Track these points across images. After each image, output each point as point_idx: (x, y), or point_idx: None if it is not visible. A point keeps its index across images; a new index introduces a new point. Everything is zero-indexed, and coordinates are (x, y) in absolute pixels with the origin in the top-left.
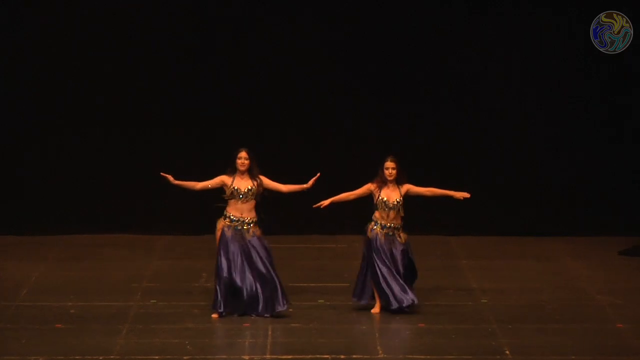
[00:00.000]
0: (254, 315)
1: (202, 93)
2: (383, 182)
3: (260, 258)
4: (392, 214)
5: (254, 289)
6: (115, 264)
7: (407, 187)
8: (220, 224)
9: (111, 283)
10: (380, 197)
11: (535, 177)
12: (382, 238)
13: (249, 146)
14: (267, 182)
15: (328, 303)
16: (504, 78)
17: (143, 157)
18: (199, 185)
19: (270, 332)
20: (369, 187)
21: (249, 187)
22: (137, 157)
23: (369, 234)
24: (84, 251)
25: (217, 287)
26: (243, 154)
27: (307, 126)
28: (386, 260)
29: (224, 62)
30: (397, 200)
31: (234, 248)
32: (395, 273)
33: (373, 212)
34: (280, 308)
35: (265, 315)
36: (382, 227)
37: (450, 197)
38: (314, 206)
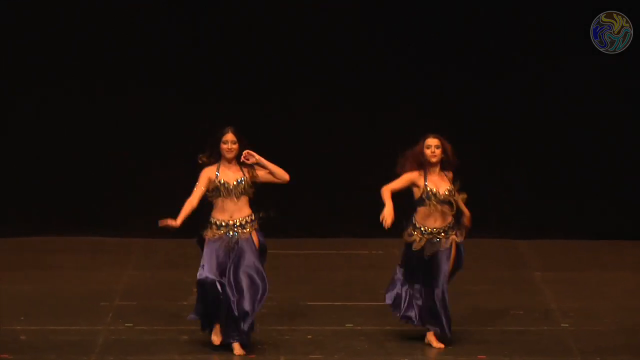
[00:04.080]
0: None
1: (191, 58)
2: (422, 167)
3: (252, 264)
4: (444, 209)
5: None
6: (78, 275)
7: (451, 176)
8: (208, 236)
9: (73, 301)
10: (427, 188)
11: (633, 165)
12: (421, 245)
13: (236, 125)
14: (260, 171)
15: (359, 328)
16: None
17: (114, 136)
18: (195, 201)
19: None
20: (409, 178)
21: (239, 179)
22: (106, 136)
23: (408, 239)
24: (37, 258)
25: (199, 301)
26: (230, 137)
27: (319, 97)
28: (419, 279)
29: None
30: (449, 190)
31: (222, 255)
32: (429, 291)
33: (414, 213)
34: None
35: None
36: (423, 233)
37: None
38: (386, 228)
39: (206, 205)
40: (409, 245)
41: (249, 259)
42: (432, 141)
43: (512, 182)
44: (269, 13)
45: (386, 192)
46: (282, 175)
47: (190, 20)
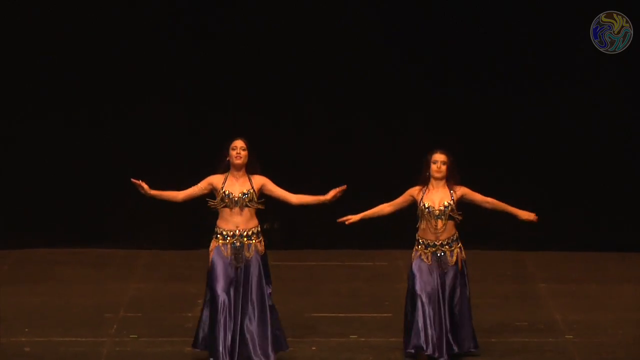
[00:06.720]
0: None
1: (194, 69)
2: (427, 184)
3: (257, 289)
4: (439, 224)
5: (244, 331)
6: (83, 287)
7: (463, 190)
8: (213, 245)
9: (77, 313)
10: (422, 203)
11: (637, 177)
12: (427, 262)
13: (246, 136)
14: (271, 188)
15: (363, 339)
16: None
17: (117, 147)
18: (182, 195)
19: None
20: (410, 193)
21: (245, 192)
22: (108, 148)
23: (413, 257)
24: (41, 270)
25: (200, 321)
26: (239, 143)
27: (329, 113)
28: (430, 298)
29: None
30: (446, 204)
31: (227, 281)
32: (440, 313)
33: (417, 228)
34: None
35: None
36: (427, 246)
37: (515, 217)
38: (339, 220)
39: (212, 215)
40: (411, 270)
41: (258, 283)
42: (438, 157)
43: (517, 194)
44: (273, 18)
45: (377, 207)
46: (291, 199)
47: (194, 29)
